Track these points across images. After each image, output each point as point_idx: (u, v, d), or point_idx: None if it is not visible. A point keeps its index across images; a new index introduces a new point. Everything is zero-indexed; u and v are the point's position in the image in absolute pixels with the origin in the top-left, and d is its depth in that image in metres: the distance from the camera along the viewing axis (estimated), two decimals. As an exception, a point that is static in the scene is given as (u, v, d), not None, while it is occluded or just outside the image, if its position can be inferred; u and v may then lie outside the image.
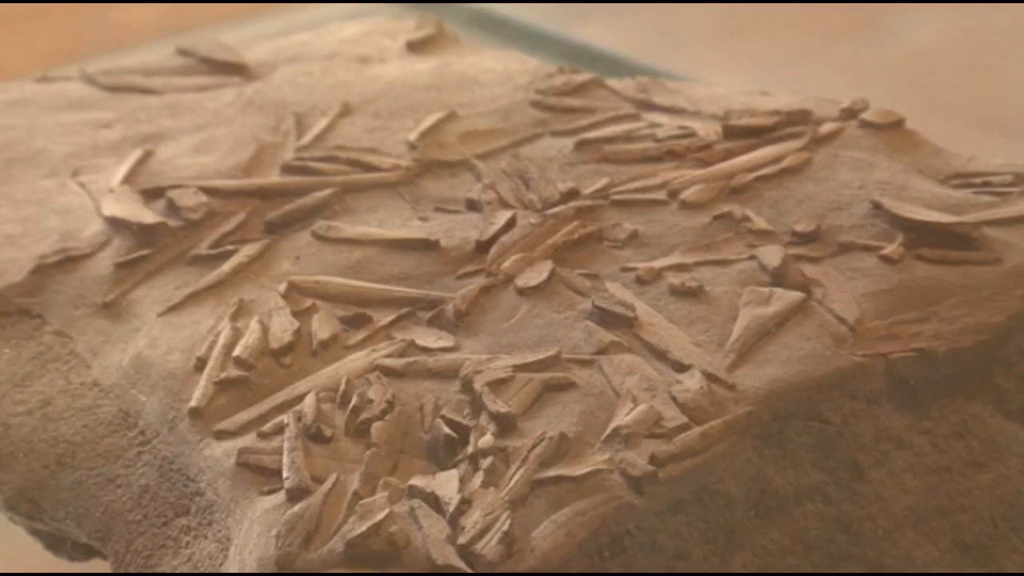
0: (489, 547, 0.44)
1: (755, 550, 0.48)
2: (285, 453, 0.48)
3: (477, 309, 0.53)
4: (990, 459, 0.50)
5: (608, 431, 0.47)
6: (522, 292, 0.53)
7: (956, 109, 0.91)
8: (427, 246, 0.56)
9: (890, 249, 0.53)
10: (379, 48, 0.72)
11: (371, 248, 0.56)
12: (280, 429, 0.49)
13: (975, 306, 0.51)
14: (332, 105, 0.66)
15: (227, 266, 0.56)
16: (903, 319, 0.51)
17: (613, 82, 0.66)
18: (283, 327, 0.53)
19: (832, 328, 0.51)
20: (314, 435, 0.48)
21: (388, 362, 0.51)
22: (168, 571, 0.49)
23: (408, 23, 0.74)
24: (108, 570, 0.51)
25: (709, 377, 0.49)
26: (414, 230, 0.57)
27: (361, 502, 0.45)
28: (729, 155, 0.59)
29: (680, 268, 0.54)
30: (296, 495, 0.46)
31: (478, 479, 0.46)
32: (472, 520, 0.45)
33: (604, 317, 0.51)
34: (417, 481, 0.46)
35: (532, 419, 0.48)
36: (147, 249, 0.58)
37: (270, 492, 0.47)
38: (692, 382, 0.49)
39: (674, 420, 0.47)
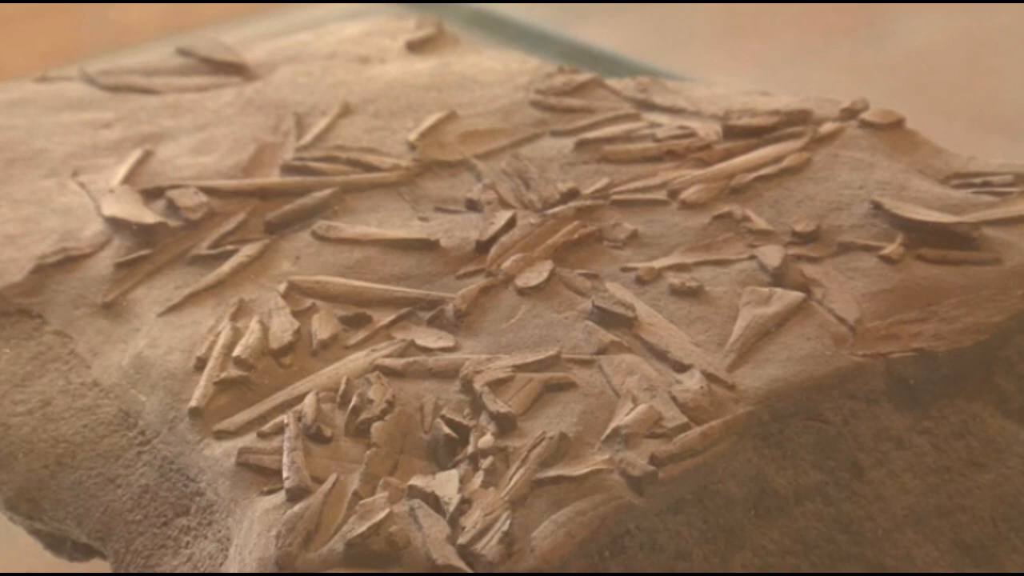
0: (489, 547, 0.44)
1: (755, 550, 0.48)
2: (285, 453, 0.48)
3: (477, 309, 0.53)
4: (990, 459, 0.50)
5: (608, 431, 0.47)
6: (522, 292, 0.53)
7: (956, 109, 0.90)
8: (427, 246, 0.56)
9: (890, 249, 0.53)
10: (379, 48, 0.72)
11: (371, 248, 0.56)
12: (280, 429, 0.49)
13: (975, 306, 0.51)
14: (332, 105, 0.66)
15: (227, 266, 0.56)
16: (903, 319, 0.51)
17: (613, 82, 0.66)
18: (283, 327, 0.53)
19: (832, 328, 0.51)
20: (314, 435, 0.48)
21: (388, 362, 0.51)
22: (168, 571, 0.49)
23: (408, 23, 0.75)
24: (108, 570, 0.51)
25: (709, 377, 0.49)
26: (414, 230, 0.57)
27: (361, 502, 0.45)
28: (729, 155, 0.59)
29: (680, 268, 0.54)
30: (296, 495, 0.46)
31: (478, 479, 0.46)
32: (472, 520, 0.45)
33: (604, 317, 0.51)
34: (417, 481, 0.46)
35: (532, 419, 0.48)
36: (147, 249, 0.57)
37: (270, 492, 0.47)
38: (692, 382, 0.49)
39: (674, 420, 0.47)
